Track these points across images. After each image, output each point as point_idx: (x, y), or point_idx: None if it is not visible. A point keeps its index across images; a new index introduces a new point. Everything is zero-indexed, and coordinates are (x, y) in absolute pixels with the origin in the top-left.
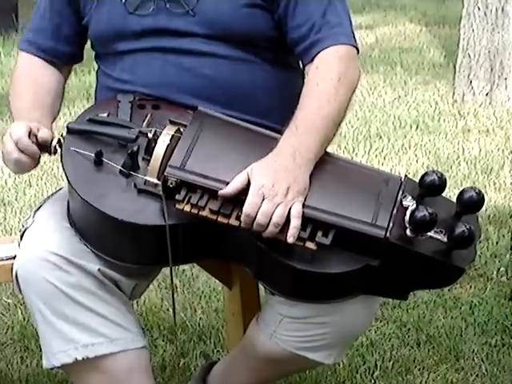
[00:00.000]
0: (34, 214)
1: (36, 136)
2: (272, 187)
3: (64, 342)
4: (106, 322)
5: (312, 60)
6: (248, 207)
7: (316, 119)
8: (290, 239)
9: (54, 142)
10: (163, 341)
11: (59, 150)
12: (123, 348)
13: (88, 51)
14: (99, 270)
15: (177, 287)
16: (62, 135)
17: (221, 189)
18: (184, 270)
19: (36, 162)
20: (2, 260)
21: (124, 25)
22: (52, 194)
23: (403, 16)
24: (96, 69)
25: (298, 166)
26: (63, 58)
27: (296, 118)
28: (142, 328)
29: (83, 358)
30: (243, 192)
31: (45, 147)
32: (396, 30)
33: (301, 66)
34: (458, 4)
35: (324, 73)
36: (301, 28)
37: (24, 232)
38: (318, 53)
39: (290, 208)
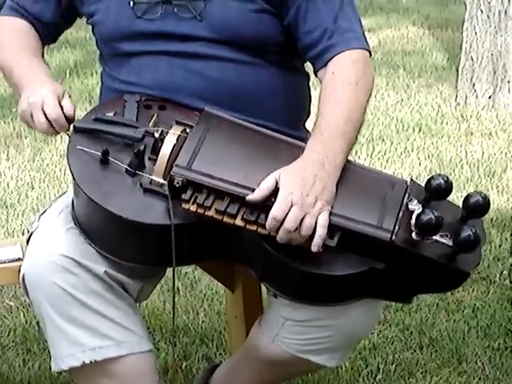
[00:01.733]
0: (39, 218)
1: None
2: (301, 195)
3: (72, 345)
4: (113, 325)
5: (325, 65)
6: (275, 211)
7: (339, 125)
8: (315, 248)
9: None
10: (165, 343)
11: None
12: (130, 351)
13: (90, 54)
14: (106, 272)
15: (179, 290)
16: (68, 134)
17: (226, 188)
18: (186, 273)
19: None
20: (5, 262)
21: (132, 28)
22: (56, 198)
23: (406, 19)
24: (100, 71)
25: (327, 174)
26: (46, 27)
27: (319, 124)
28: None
29: (91, 362)
30: (270, 197)
31: (70, 119)
32: (399, 33)
33: (305, 69)
34: (461, 7)
35: (341, 78)
36: (312, 33)
37: (30, 236)
38: (331, 58)
39: (318, 217)
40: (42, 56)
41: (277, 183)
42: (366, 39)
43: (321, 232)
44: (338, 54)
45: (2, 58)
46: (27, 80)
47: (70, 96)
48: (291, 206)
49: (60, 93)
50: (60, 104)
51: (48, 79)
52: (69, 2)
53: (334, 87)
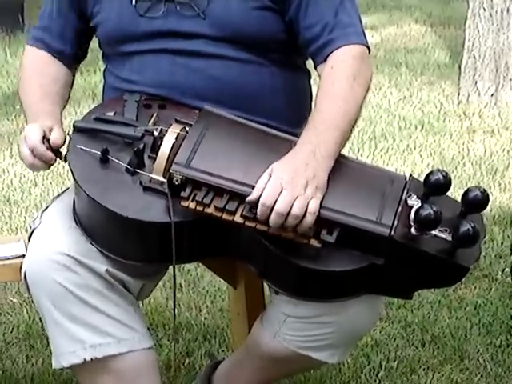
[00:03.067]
0: (42, 214)
1: (49, 140)
2: (291, 180)
3: (72, 343)
4: (113, 323)
5: (325, 60)
6: (265, 197)
7: (334, 118)
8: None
9: (64, 152)
10: (168, 340)
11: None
12: (131, 348)
13: (94, 51)
14: (107, 270)
15: (182, 287)
16: (68, 134)
17: (225, 186)
18: (189, 270)
19: (50, 164)
20: (8, 259)
21: (134, 27)
22: (59, 195)
23: (408, 16)
24: (103, 69)
25: (318, 163)
26: (68, 59)
27: (314, 117)
28: (147, 328)
29: (92, 359)
30: None
31: (58, 150)
32: (401, 30)
33: (307, 67)
34: (464, 5)
35: (339, 72)
36: (313, 28)
37: (32, 233)
38: (331, 52)
39: (308, 202)
40: (70, 82)
41: (270, 176)
42: (365, 35)
43: (309, 219)
44: (338, 48)
45: (22, 99)
46: (28, 119)
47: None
48: (281, 190)
49: (46, 127)
50: (47, 137)
51: (42, 115)
52: (84, 17)
53: (331, 81)
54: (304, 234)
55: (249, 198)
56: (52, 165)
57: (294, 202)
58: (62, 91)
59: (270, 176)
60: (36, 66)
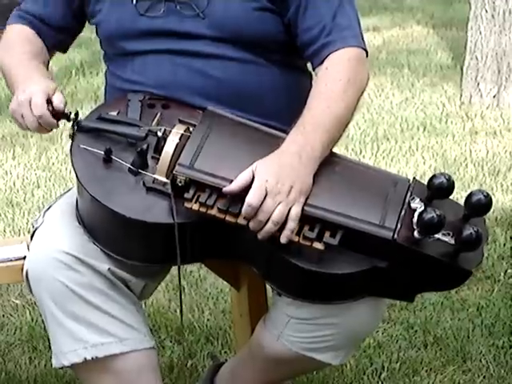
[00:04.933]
0: (44, 213)
1: (52, 104)
2: (276, 184)
3: (74, 342)
4: (115, 322)
5: (322, 62)
6: (250, 198)
7: (323, 119)
8: (283, 240)
9: (67, 110)
10: (171, 342)
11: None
12: (132, 348)
13: (95, 53)
14: (109, 269)
15: (184, 288)
16: (71, 134)
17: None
18: (192, 272)
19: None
20: (11, 261)
21: (134, 26)
22: (62, 195)
23: (410, 18)
24: (104, 70)
25: (303, 165)
26: (50, 40)
27: (303, 117)
28: (149, 329)
29: (92, 358)
30: (248, 189)
31: (59, 114)
32: (403, 32)
33: (309, 68)
34: (466, 6)
35: (333, 74)
36: (311, 30)
37: (34, 232)
38: (328, 55)
39: (290, 208)
40: (48, 62)
41: (254, 174)
42: (363, 38)
43: (291, 225)
44: (335, 51)
45: (4, 61)
46: (21, 80)
47: (72, 94)
48: (265, 196)
49: (51, 89)
50: (50, 100)
51: (41, 78)
52: (79, 2)
53: (324, 83)
54: (307, 237)
55: (225, 189)
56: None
57: (275, 208)
58: (46, 62)
59: (253, 174)
60: (20, 35)
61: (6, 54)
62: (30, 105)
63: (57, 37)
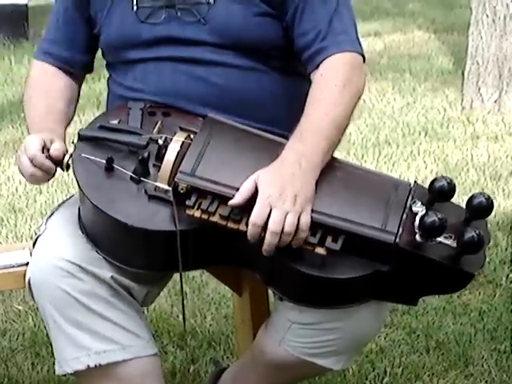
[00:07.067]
0: (47, 221)
1: (49, 150)
2: (279, 196)
3: (77, 349)
4: (118, 329)
5: (317, 67)
6: (255, 217)
7: (321, 125)
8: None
9: (66, 159)
10: (173, 347)
11: (72, 166)
12: (135, 355)
13: (98, 59)
14: (112, 277)
15: (186, 294)
16: (73, 142)
17: (231, 194)
18: (194, 277)
19: (51, 175)
20: (13, 267)
21: (135, 33)
22: (64, 201)
23: (412, 23)
24: (107, 77)
25: (305, 172)
26: (77, 68)
27: (301, 124)
28: (152, 335)
29: (95, 365)
30: (253, 198)
31: (59, 161)
32: (405, 37)
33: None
34: (467, 11)
35: (329, 79)
36: (307, 35)
37: (36, 239)
38: (323, 60)
39: (299, 217)
40: (75, 93)
41: (256, 185)
42: (359, 43)
43: (302, 235)
44: (330, 56)
45: (24, 108)
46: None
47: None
48: (271, 209)
49: (47, 139)
50: (47, 148)
51: (44, 131)
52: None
53: (320, 88)
54: (309, 242)
55: (231, 202)
56: (52, 176)
57: (285, 219)
58: (66, 109)
59: (255, 183)
60: (42, 81)
61: (27, 106)
62: (26, 153)
63: (80, 69)
